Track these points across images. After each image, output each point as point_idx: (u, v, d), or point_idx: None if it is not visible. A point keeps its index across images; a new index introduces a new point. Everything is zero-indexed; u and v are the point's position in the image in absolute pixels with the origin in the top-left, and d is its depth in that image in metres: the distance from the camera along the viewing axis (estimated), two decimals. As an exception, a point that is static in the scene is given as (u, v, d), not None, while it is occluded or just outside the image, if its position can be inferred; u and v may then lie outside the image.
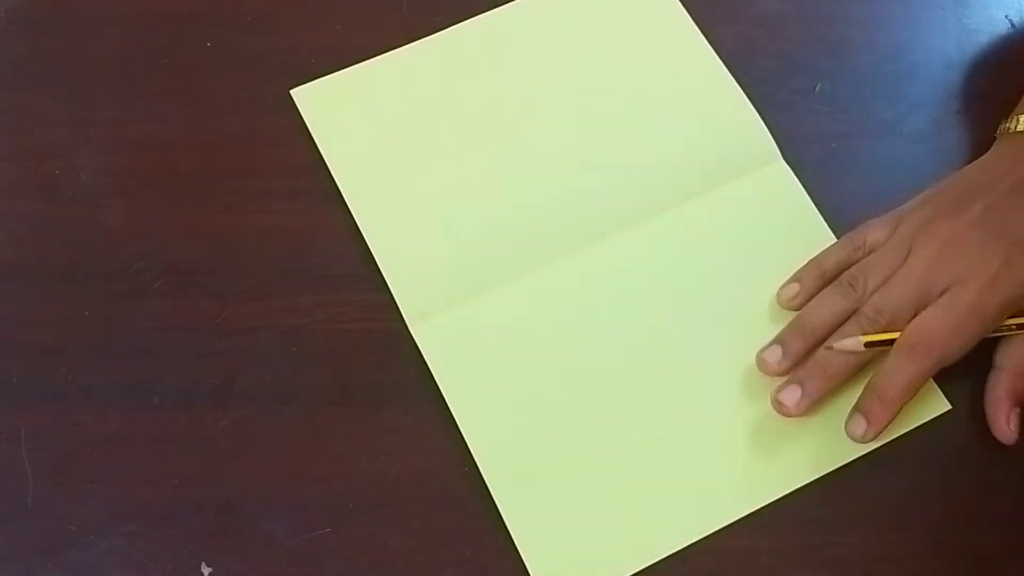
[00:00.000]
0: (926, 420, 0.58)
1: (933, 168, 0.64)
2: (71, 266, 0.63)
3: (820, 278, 0.60)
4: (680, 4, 0.69)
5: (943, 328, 0.56)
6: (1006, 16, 0.69)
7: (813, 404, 0.57)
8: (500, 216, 0.63)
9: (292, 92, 0.67)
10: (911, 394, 0.56)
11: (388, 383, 0.60)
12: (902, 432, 0.58)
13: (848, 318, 0.58)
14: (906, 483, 0.58)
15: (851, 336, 0.57)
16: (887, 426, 0.57)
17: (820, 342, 0.58)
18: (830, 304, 0.59)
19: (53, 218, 0.64)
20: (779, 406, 0.58)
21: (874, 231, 0.60)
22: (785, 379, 0.58)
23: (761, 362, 0.59)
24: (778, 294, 0.61)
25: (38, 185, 0.64)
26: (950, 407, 0.59)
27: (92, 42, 0.69)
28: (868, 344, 0.57)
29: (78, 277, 0.62)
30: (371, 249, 0.62)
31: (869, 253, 0.60)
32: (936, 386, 0.59)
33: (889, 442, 0.58)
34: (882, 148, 0.66)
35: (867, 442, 0.57)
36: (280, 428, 0.59)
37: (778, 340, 0.59)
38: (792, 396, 0.57)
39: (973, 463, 0.58)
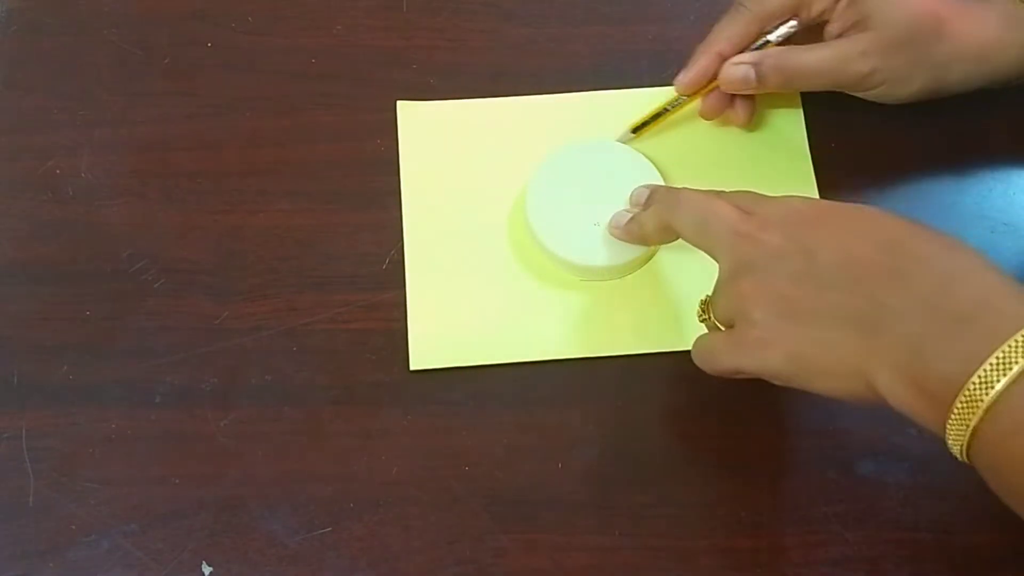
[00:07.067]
0: None
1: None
2: (71, 266, 0.62)
3: None
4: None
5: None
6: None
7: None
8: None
9: (398, 104, 0.66)
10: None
11: (388, 383, 0.60)
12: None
13: None
14: (906, 483, 0.58)
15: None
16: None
17: None
18: None
19: (53, 218, 0.64)
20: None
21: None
22: None
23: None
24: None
25: (38, 185, 0.64)
26: None
27: (92, 42, 0.68)
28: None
29: (78, 277, 0.62)
30: (407, 283, 0.62)
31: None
32: None
33: (889, 442, 0.58)
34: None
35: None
36: (280, 428, 0.59)
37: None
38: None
39: (973, 463, 0.58)
